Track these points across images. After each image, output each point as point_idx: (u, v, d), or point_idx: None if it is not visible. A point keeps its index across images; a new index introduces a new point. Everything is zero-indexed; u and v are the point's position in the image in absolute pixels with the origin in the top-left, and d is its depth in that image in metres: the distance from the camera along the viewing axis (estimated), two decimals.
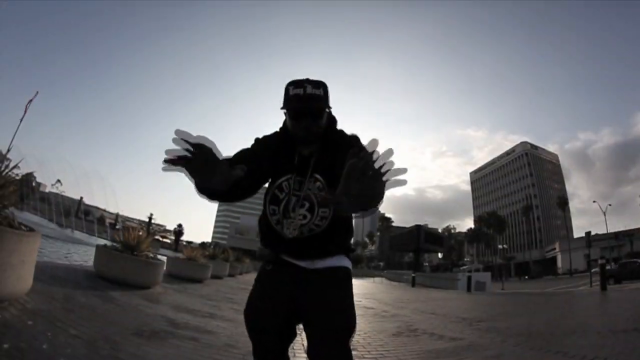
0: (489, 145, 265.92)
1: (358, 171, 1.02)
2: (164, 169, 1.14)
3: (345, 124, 1.71)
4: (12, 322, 2.72)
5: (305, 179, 1.60)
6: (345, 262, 1.68)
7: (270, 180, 1.67)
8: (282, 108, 1.57)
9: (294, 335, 1.64)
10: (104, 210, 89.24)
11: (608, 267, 20.89)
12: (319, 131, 1.58)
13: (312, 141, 1.59)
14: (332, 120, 1.69)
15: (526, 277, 70.15)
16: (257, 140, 1.70)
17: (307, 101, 1.51)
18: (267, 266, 1.70)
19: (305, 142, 1.60)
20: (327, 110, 1.60)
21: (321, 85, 1.56)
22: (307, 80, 1.55)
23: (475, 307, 11.04)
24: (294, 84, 1.55)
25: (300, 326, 1.57)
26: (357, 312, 1.57)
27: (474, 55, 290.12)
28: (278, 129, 1.72)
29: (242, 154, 1.59)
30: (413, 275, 33.20)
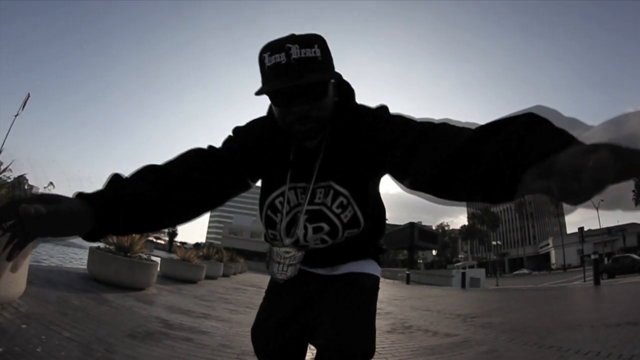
0: None
1: None
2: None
3: None
4: (6, 325, 2.71)
5: (310, 186, 1.14)
6: (374, 268, 1.32)
7: (261, 189, 1.24)
8: (258, 92, 0.97)
9: (305, 353, 1.36)
10: None
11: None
12: (323, 117, 1.02)
13: (314, 135, 1.04)
14: (346, 91, 1.11)
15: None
16: (235, 132, 1.17)
17: (294, 73, 0.92)
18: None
19: (303, 137, 1.05)
20: (331, 80, 1.00)
21: (314, 41, 0.96)
22: (291, 38, 0.96)
23: (469, 303, 11.08)
24: (270, 49, 0.96)
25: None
26: None
27: (468, 53, 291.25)
28: (267, 112, 1.16)
29: (196, 155, 1.05)
30: (407, 272, 33.28)
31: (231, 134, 1.17)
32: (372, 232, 1.26)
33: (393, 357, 3.82)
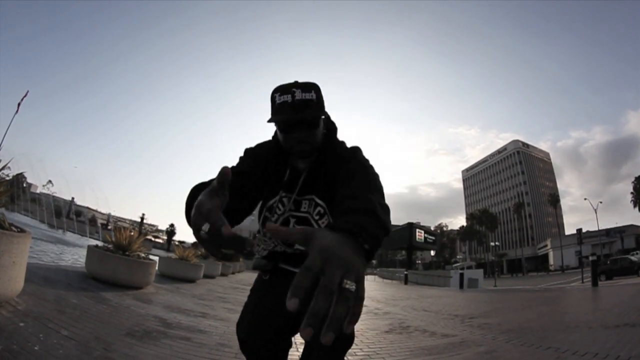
0: (481, 143, 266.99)
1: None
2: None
3: (339, 124, 1.51)
4: (4, 324, 2.70)
5: (297, 197, 1.44)
6: None
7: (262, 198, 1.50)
8: (269, 120, 1.33)
9: (289, 346, 1.54)
10: (96, 211, 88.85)
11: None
12: (315, 142, 1.36)
13: (308, 155, 1.38)
14: (331, 128, 1.48)
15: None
16: (246, 152, 1.49)
17: (297, 109, 1.28)
18: (264, 276, 1.57)
19: (300, 156, 1.38)
20: (322, 116, 1.37)
21: (312, 88, 1.32)
22: (295, 84, 1.32)
23: (467, 304, 11.09)
24: (280, 90, 1.31)
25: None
26: None
27: (466, 54, 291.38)
28: (271, 138, 1.51)
29: (235, 176, 1.19)
30: (406, 272, 33.31)
31: (244, 154, 1.48)
32: None
33: (391, 357, 3.83)
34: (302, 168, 1.43)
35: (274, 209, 1.45)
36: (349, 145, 1.50)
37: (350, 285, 0.62)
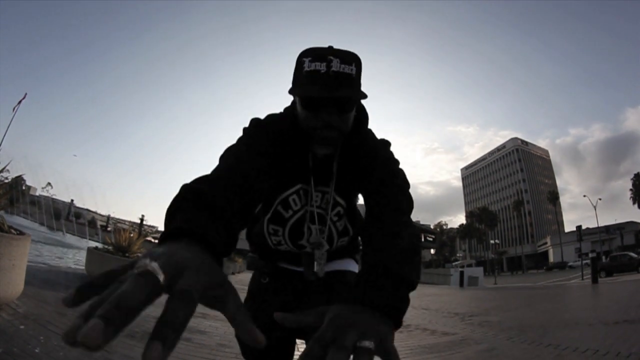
0: (480, 141, 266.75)
1: None
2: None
3: None
4: (4, 326, 2.71)
5: (307, 187, 1.17)
6: (353, 267, 1.39)
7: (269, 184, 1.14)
8: (291, 91, 1.02)
9: (293, 352, 1.36)
10: (95, 213, 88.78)
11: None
12: (344, 129, 1.05)
13: (333, 143, 1.06)
14: (362, 115, 1.17)
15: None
16: (257, 126, 1.12)
17: (332, 83, 0.95)
18: (263, 279, 1.35)
19: (322, 142, 1.04)
20: (360, 99, 1.06)
21: (353, 60, 1.00)
22: (332, 51, 0.99)
23: (467, 302, 11.10)
24: (311, 55, 0.99)
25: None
26: None
27: (464, 51, 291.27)
28: (283, 110, 1.20)
29: (261, 157, 1.01)
30: None
31: (252, 127, 1.12)
32: (353, 237, 1.34)
33: None
34: (322, 155, 1.10)
35: (289, 204, 1.18)
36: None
37: (369, 344, 0.56)
